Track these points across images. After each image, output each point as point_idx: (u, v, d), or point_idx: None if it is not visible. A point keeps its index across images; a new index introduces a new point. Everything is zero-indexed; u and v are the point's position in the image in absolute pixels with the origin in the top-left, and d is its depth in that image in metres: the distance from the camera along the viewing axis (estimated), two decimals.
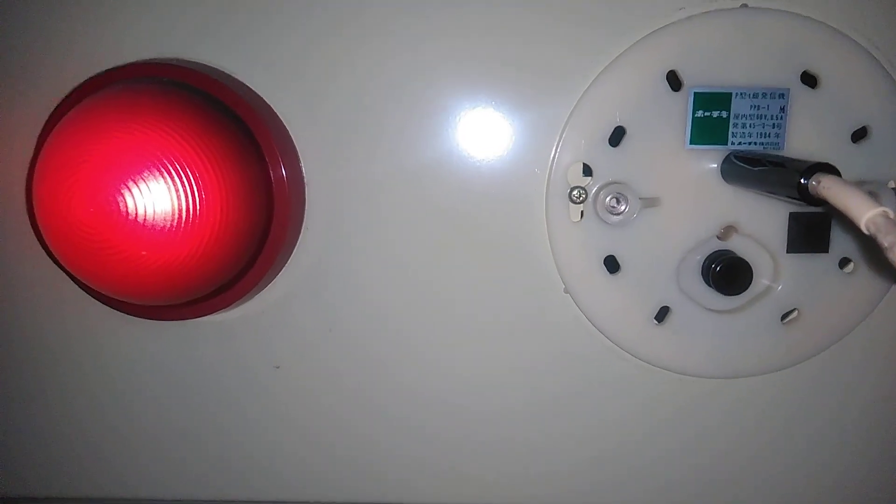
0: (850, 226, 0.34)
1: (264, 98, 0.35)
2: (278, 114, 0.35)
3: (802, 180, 0.27)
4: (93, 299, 0.36)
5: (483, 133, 0.35)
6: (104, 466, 0.40)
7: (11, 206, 0.36)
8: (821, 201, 0.27)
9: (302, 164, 0.36)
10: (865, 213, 0.23)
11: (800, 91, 0.34)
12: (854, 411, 0.38)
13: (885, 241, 0.22)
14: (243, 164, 0.33)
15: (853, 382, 0.38)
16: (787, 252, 0.36)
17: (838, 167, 0.27)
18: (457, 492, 0.39)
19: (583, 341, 0.37)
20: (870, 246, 0.35)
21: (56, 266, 0.36)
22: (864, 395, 0.38)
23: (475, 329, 0.37)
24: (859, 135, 0.34)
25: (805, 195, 0.27)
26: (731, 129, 0.34)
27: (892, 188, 0.34)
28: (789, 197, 0.29)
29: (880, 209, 0.23)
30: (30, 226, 0.35)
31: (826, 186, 0.26)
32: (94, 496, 0.40)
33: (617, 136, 0.35)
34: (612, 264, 0.36)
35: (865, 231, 0.23)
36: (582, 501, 0.39)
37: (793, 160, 0.31)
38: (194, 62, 0.35)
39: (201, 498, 0.40)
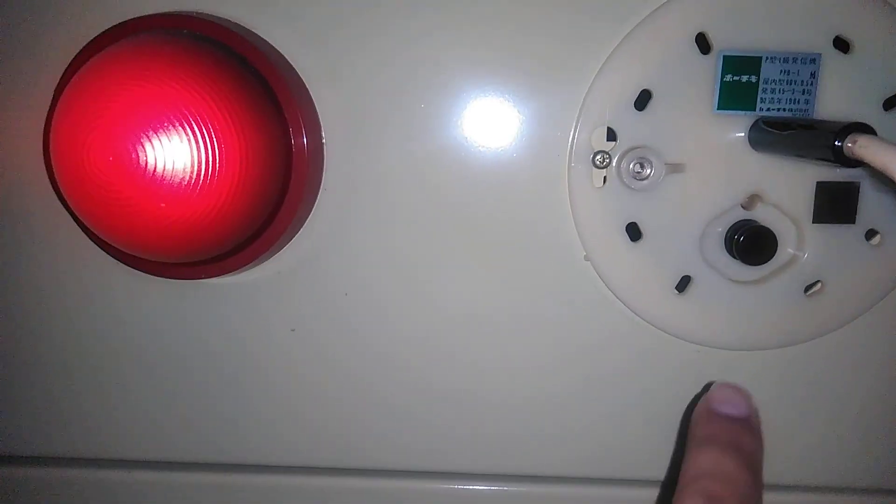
0: (882, 195, 0.34)
1: (290, 62, 0.35)
2: (303, 79, 0.35)
3: (837, 141, 0.27)
4: (107, 255, 0.36)
5: (506, 96, 0.35)
6: (114, 426, 0.39)
7: (29, 157, 0.35)
8: (857, 162, 0.26)
9: (322, 126, 0.35)
10: None
11: (831, 56, 0.33)
12: (877, 385, 0.38)
13: None
14: (263, 123, 0.33)
15: (876, 356, 0.37)
16: (813, 222, 0.35)
17: (872, 128, 0.27)
18: (474, 459, 0.39)
19: (601, 309, 0.37)
20: None
21: (72, 220, 0.35)
22: (887, 369, 0.37)
23: (493, 292, 0.37)
24: (892, 102, 0.34)
25: (840, 157, 0.27)
26: (759, 95, 0.34)
27: None
28: (822, 159, 0.28)
29: None
30: (47, 178, 0.35)
31: (863, 146, 0.25)
32: (101, 457, 0.40)
33: (643, 100, 0.34)
34: (634, 231, 0.35)
35: None
36: (599, 472, 0.39)
37: (824, 122, 0.30)
38: (220, 17, 0.34)
39: (213, 461, 0.40)
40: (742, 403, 0.30)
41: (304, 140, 0.34)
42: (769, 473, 0.38)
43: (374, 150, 0.35)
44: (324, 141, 0.36)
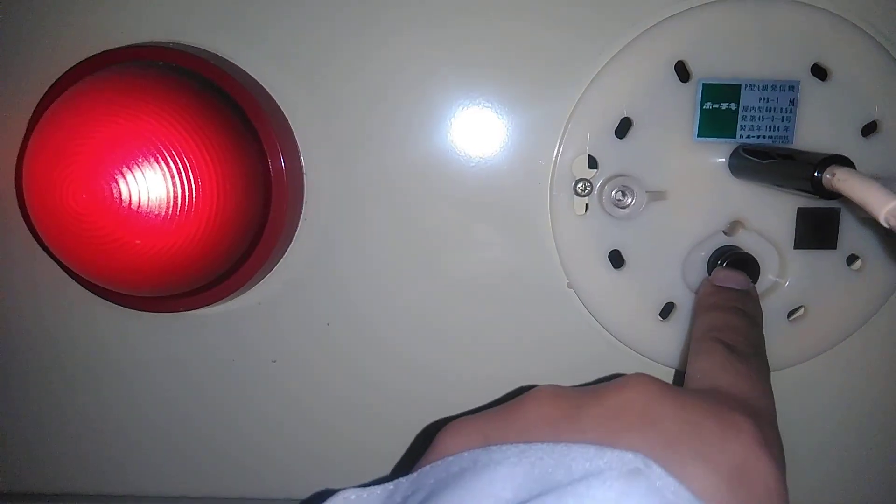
0: (862, 221, 0.34)
1: (266, 88, 0.34)
2: (278, 103, 0.35)
3: (816, 173, 0.27)
4: (84, 290, 0.35)
5: (487, 124, 0.35)
6: (95, 461, 0.39)
7: (2, 194, 0.35)
8: (834, 194, 0.26)
9: (301, 155, 0.35)
10: (885, 205, 0.22)
11: (810, 84, 0.33)
12: (860, 409, 0.38)
13: None
14: (240, 153, 0.32)
15: (860, 380, 0.37)
16: (795, 248, 0.35)
17: (851, 161, 0.27)
18: None
19: (585, 337, 0.36)
20: (880, 242, 0.34)
21: (47, 255, 0.35)
22: (870, 393, 0.37)
23: (477, 322, 0.36)
24: (870, 129, 0.34)
25: (819, 188, 0.27)
26: (739, 122, 0.34)
27: None
28: (800, 190, 0.28)
29: None
30: (20, 213, 0.34)
31: (842, 179, 0.25)
32: (89, 493, 0.39)
33: (623, 128, 0.34)
34: (616, 259, 0.35)
35: (885, 224, 0.22)
36: None
37: (804, 153, 0.30)
38: (192, 46, 0.34)
39: (196, 494, 0.39)
40: (742, 280, 0.33)
41: (284, 169, 0.34)
42: None
43: (354, 176, 0.35)
44: (304, 169, 0.35)
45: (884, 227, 0.22)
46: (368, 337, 0.37)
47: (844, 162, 0.26)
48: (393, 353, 0.37)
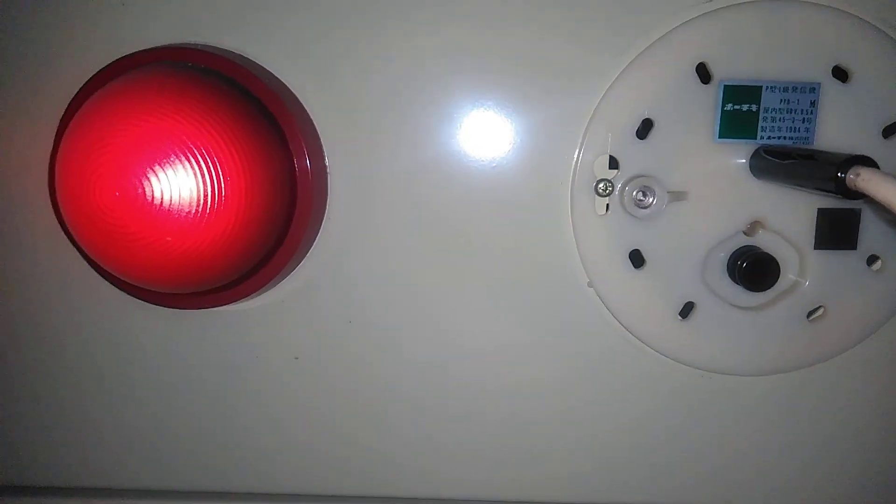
0: (882, 222, 0.34)
1: (291, 89, 0.35)
2: (303, 103, 0.35)
3: (840, 173, 0.27)
4: (113, 286, 0.36)
5: (508, 125, 0.35)
6: (120, 456, 0.39)
7: (34, 192, 0.36)
8: (858, 195, 0.27)
9: (325, 154, 0.36)
10: None
11: (831, 85, 0.34)
12: (879, 410, 0.38)
13: None
14: (267, 153, 0.33)
15: (879, 381, 0.37)
16: (815, 248, 0.35)
17: (874, 161, 0.27)
18: (478, 487, 0.39)
19: (605, 336, 0.37)
20: None
21: (78, 253, 0.35)
22: (890, 394, 0.37)
23: (497, 321, 0.37)
24: (891, 130, 0.34)
25: (842, 188, 0.27)
26: (760, 123, 0.34)
27: None
28: (822, 190, 0.29)
29: None
30: (52, 211, 0.35)
31: (866, 179, 0.25)
32: (109, 486, 0.40)
33: (644, 129, 0.34)
34: (637, 259, 0.36)
35: None
36: (603, 499, 0.39)
37: (824, 153, 0.30)
38: (221, 48, 0.34)
39: (219, 489, 0.40)
40: None
41: (309, 168, 0.34)
42: (772, 499, 0.39)
43: (377, 176, 0.36)
44: (328, 168, 0.36)
45: None
46: (389, 336, 0.37)
47: (868, 162, 0.27)
48: (412, 351, 0.37)
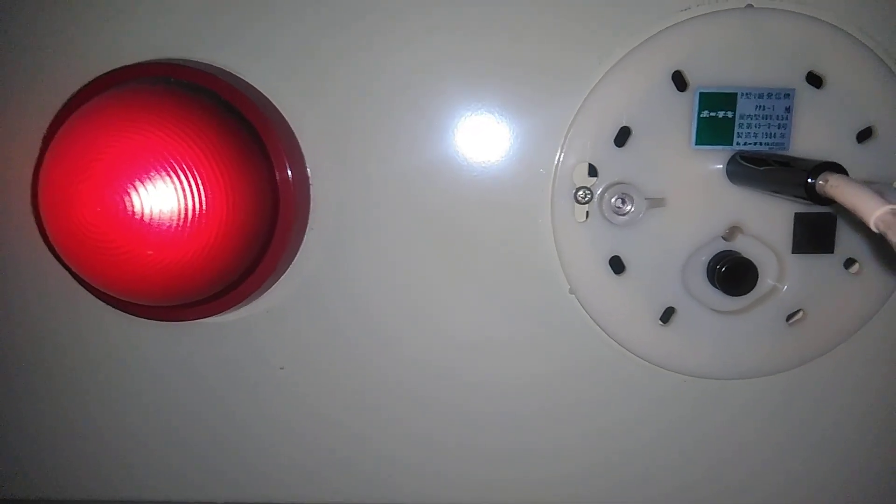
0: (857, 225, 0.34)
1: (270, 99, 0.35)
2: (284, 115, 0.35)
3: (809, 179, 0.27)
4: (96, 300, 0.36)
5: (488, 133, 0.35)
6: (103, 468, 0.39)
7: (17, 206, 0.36)
8: (828, 200, 0.27)
9: (307, 166, 0.36)
10: (875, 211, 0.22)
11: (805, 91, 0.34)
12: (860, 412, 0.38)
13: (894, 238, 0.22)
14: (249, 165, 0.33)
15: (859, 383, 0.38)
16: (793, 252, 0.36)
17: (844, 167, 0.27)
18: (461, 495, 0.39)
19: (587, 342, 0.37)
20: (876, 246, 0.35)
21: (61, 266, 0.35)
22: (870, 395, 0.38)
23: (479, 330, 0.37)
24: (864, 135, 0.34)
25: (812, 194, 0.27)
26: (736, 130, 0.34)
27: None
28: (796, 196, 0.29)
29: (889, 207, 0.23)
30: (35, 225, 0.35)
31: (833, 185, 0.26)
32: (101, 499, 0.40)
33: (622, 137, 0.35)
34: (617, 265, 0.36)
35: (875, 229, 0.23)
36: (588, 500, 0.39)
37: (798, 159, 0.31)
38: (201, 62, 0.35)
39: (203, 500, 0.40)
40: None
41: (291, 180, 0.35)
42: (755, 503, 0.39)
43: (360, 184, 0.36)
44: (310, 180, 0.36)
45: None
46: (374, 343, 0.37)
47: (837, 168, 0.27)
48: (398, 358, 0.37)
